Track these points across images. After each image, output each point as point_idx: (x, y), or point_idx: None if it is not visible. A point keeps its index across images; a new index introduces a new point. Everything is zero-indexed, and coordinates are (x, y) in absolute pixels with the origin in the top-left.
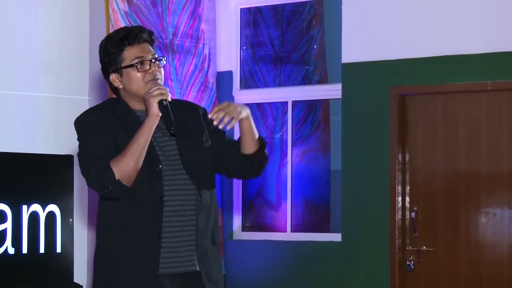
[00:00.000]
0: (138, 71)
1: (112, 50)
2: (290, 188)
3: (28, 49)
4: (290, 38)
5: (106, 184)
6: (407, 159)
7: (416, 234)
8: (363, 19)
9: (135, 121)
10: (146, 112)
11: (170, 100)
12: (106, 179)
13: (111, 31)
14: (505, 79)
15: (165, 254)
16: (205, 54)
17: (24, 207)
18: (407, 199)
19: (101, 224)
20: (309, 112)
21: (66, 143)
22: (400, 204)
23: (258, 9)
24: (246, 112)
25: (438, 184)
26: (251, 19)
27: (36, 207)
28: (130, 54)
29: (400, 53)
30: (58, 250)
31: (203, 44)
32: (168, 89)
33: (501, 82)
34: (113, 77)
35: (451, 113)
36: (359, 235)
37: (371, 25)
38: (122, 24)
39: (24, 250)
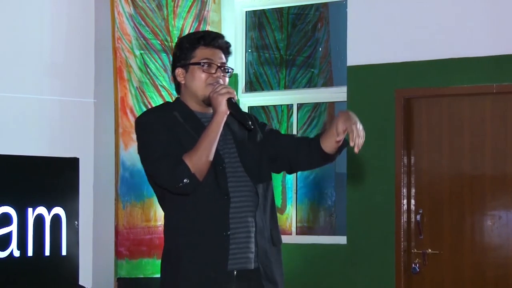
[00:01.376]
0: (203, 72)
1: (186, 45)
2: (295, 191)
3: (33, 52)
4: (295, 41)
5: (181, 178)
6: (412, 161)
7: (422, 237)
8: (369, 22)
9: (197, 122)
10: (214, 110)
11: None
12: (180, 173)
13: (116, 34)
14: (510, 82)
15: (233, 250)
16: None
17: (30, 209)
18: (412, 201)
19: (168, 225)
20: (315, 115)
21: (71, 145)
22: (405, 206)
23: (263, 12)
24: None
25: (443, 186)
26: (256, 22)
27: (41, 209)
28: (201, 53)
29: (406, 55)
30: (64, 253)
31: None
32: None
33: (507, 85)
34: (179, 71)
35: (456, 116)
36: (364, 237)
37: (376, 27)
38: (127, 26)
39: (30, 253)
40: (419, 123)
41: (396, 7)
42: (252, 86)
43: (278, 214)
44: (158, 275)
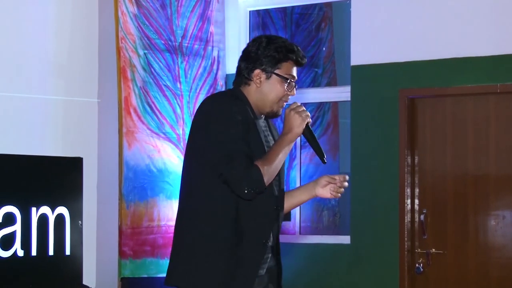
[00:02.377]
0: (284, 87)
1: (275, 54)
2: None
3: (37, 51)
4: (299, 41)
5: (251, 183)
6: (416, 161)
7: (425, 237)
8: (372, 22)
9: (260, 125)
10: (288, 127)
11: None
12: (253, 179)
13: (120, 33)
14: None
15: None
16: (214, 57)
17: (33, 209)
18: (416, 201)
19: (212, 215)
20: (318, 114)
21: (75, 145)
22: (409, 206)
23: (267, 12)
24: None
25: (447, 186)
26: (260, 21)
27: (45, 209)
28: (288, 68)
29: (409, 55)
30: (67, 252)
31: (212, 47)
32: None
33: (510, 84)
34: (259, 73)
35: (460, 116)
36: (368, 237)
37: (380, 27)
38: (131, 26)
39: (33, 252)
40: (423, 123)
41: (400, 6)
42: None
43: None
44: (162, 275)
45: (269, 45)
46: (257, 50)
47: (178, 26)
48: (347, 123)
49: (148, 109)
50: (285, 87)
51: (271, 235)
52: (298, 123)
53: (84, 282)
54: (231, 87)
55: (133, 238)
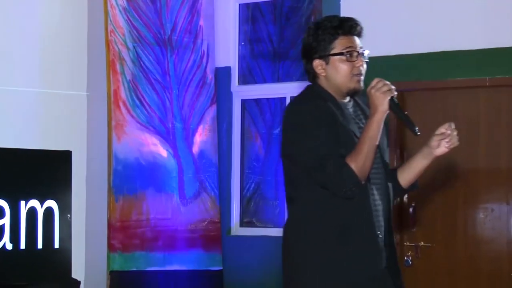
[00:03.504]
0: (347, 61)
1: (323, 36)
2: None
3: (26, 44)
4: (289, 34)
5: (347, 184)
6: (405, 155)
7: (414, 230)
8: (361, 15)
9: (345, 114)
10: (373, 107)
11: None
12: (347, 179)
13: (109, 26)
14: (503, 75)
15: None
16: (204, 50)
17: (22, 202)
18: (405, 194)
19: (313, 217)
20: None
21: (64, 138)
22: (398, 199)
23: (256, 5)
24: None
25: (436, 179)
26: (250, 14)
27: (34, 202)
28: (341, 43)
29: (398, 49)
30: (56, 245)
31: (202, 40)
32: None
33: (500, 78)
34: (317, 63)
35: (449, 109)
36: None
37: (369, 20)
38: (120, 19)
39: (22, 245)
40: (412, 116)
41: (389, 1)
42: (245, 79)
43: (270, 207)
44: (151, 268)
45: (315, 31)
46: (307, 42)
47: (167, 19)
48: None
49: (138, 102)
50: (347, 60)
51: (382, 227)
52: (381, 100)
53: (73, 276)
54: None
55: (122, 232)
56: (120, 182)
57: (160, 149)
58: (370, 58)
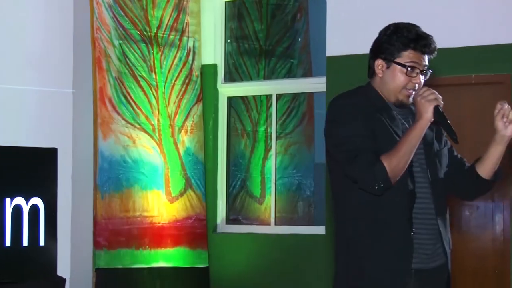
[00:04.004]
0: (405, 75)
1: (395, 42)
2: (274, 181)
3: (12, 42)
4: (275, 32)
5: (377, 180)
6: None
7: None
8: (348, 12)
9: (393, 116)
10: (418, 114)
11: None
12: (377, 175)
13: (95, 24)
14: (489, 73)
15: (415, 249)
16: (190, 47)
17: (8, 200)
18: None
19: (348, 213)
20: (294, 105)
21: (50, 136)
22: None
23: (242, 3)
24: None
25: None
26: (236, 12)
27: (19, 200)
28: (409, 56)
29: None
30: (42, 243)
31: (188, 37)
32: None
33: (485, 76)
34: (380, 62)
35: None
36: None
37: (355, 18)
38: (106, 17)
39: (8, 243)
40: None
41: None
42: (232, 76)
43: (256, 204)
44: (137, 266)
45: (393, 34)
46: (380, 39)
47: (153, 16)
48: (322, 114)
49: (123, 99)
50: (407, 74)
51: (426, 224)
52: (426, 108)
53: (59, 273)
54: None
55: (108, 229)
56: (106, 180)
57: (146, 147)
58: (354, 55)
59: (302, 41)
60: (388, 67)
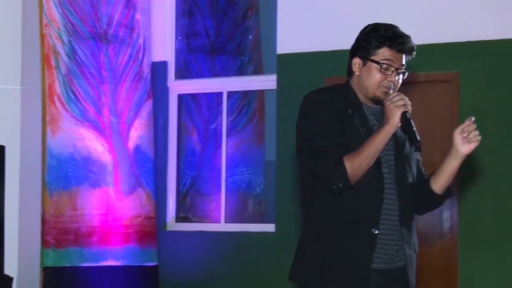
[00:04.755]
0: (380, 72)
1: (372, 40)
2: (224, 179)
3: None
4: (226, 29)
5: (337, 179)
6: None
7: None
8: (298, 10)
9: (365, 115)
10: (386, 119)
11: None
12: (337, 174)
13: (44, 20)
14: (437, 71)
15: (377, 249)
16: (140, 44)
17: None
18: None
19: (315, 209)
20: (244, 102)
21: None
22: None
23: None
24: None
25: None
26: (187, 8)
27: None
28: (383, 54)
29: (335, 44)
30: None
31: (138, 34)
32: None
33: (434, 74)
34: (357, 61)
35: None
36: (293, 225)
37: (306, 16)
38: (55, 13)
39: None
40: None
41: None
42: (182, 73)
43: (207, 203)
44: (86, 264)
45: (370, 33)
46: (358, 38)
47: (103, 13)
48: (273, 112)
49: (73, 96)
50: (381, 71)
51: (388, 225)
52: (394, 113)
53: (6, 272)
54: (156, 75)
55: (56, 227)
56: (54, 177)
57: (95, 144)
58: (305, 53)
59: (253, 38)
60: (364, 65)
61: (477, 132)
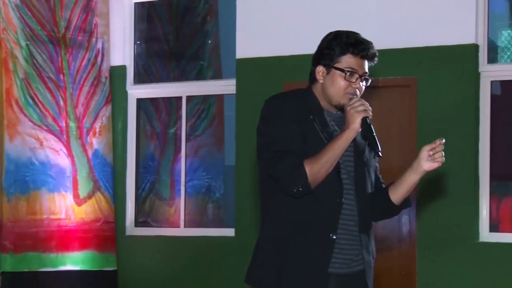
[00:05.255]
0: (344, 80)
1: (335, 47)
2: (183, 184)
3: None
4: (185, 33)
5: (296, 183)
6: None
7: None
8: (257, 15)
9: (325, 121)
10: (346, 124)
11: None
12: (297, 178)
13: (1, 24)
14: (395, 76)
15: (336, 254)
16: (98, 49)
17: None
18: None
19: (274, 213)
20: (204, 107)
21: None
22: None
23: (152, 4)
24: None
25: None
26: (145, 13)
27: None
28: (347, 61)
29: (294, 49)
30: None
31: (96, 39)
32: (369, 106)
33: (392, 79)
34: (320, 69)
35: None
36: (252, 229)
37: (265, 21)
38: (13, 17)
39: None
40: None
41: (284, 1)
42: (141, 78)
43: (166, 207)
44: (45, 269)
45: (333, 40)
46: (321, 45)
47: (61, 17)
48: (232, 116)
49: (31, 101)
50: (345, 79)
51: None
52: (354, 118)
53: None
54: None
55: (14, 232)
56: (12, 182)
57: (53, 149)
58: (264, 58)
59: (212, 43)
60: (328, 73)
61: (442, 154)
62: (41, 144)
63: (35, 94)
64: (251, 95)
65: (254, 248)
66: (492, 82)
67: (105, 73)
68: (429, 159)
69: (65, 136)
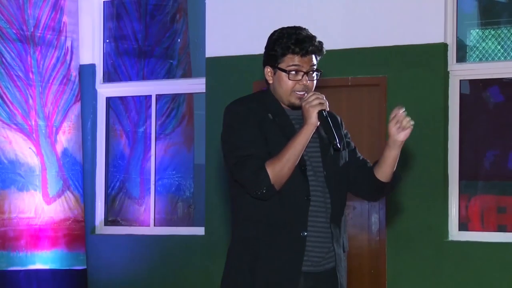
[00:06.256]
0: (289, 79)
1: (277, 48)
2: (153, 182)
3: None
4: (154, 32)
5: (260, 186)
6: None
7: None
8: (227, 14)
9: (286, 120)
10: (304, 120)
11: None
12: (261, 181)
13: None
14: (364, 75)
15: (308, 252)
16: (67, 47)
17: None
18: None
19: (244, 215)
20: (173, 106)
21: None
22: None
23: (121, 2)
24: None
25: None
26: (114, 12)
27: None
28: (289, 61)
29: (263, 48)
30: None
31: (65, 37)
32: (325, 98)
33: (361, 78)
34: (268, 70)
35: None
36: (222, 228)
37: (234, 19)
38: None
39: None
40: None
41: (254, 0)
42: (110, 76)
43: (135, 206)
44: (14, 268)
45: (275, 42)
46: (266, 46)
47: (30, 15)
48: (202, 115)
49: None
50: (290, 79)
51: (318, 227)
52: (310, 113)
53: None
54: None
55: None
56: None
57: (22, 147)
58: (234, 57)
59: (181, 41)
60: (275, 73)
61: (408, 118)
62: (10, 142)
63: (4, 93)
64: (221, 94)
65: (227, 253)
66: (461, 81)
67: (74, 71)
68: (399, 130)
69: (34, 135)
